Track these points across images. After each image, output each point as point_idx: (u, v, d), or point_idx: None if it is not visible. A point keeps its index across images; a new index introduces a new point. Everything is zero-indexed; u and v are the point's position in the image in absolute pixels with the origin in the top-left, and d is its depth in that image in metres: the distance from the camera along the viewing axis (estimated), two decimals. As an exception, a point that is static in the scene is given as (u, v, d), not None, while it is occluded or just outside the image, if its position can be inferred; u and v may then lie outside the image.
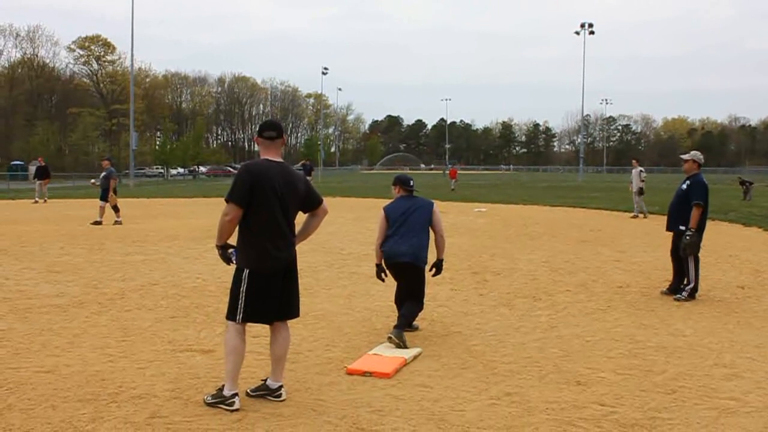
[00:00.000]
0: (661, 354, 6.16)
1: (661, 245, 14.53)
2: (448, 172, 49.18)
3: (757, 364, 5.88)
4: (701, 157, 9.13)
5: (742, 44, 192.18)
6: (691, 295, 8.67)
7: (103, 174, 19.47)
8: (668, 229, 9.20)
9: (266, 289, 4.65)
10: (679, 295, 8.72)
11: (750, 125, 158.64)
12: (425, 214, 6.67)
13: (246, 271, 4.64)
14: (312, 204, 4.99)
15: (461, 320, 7.46)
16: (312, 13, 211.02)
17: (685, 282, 8.85)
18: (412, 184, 6.92)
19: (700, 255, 8.84)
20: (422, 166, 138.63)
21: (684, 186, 9.01)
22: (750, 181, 35.03)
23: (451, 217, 21.00)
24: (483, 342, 6.57)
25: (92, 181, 23.82)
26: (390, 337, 6.19)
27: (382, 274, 6.79)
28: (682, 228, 8.73)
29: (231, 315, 4.69)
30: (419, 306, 6.67)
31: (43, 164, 31.48)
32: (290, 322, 4.95)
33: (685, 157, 9.21)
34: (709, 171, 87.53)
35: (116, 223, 18.47)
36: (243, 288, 4.63)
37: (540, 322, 7.41)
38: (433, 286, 9.14)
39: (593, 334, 6.91)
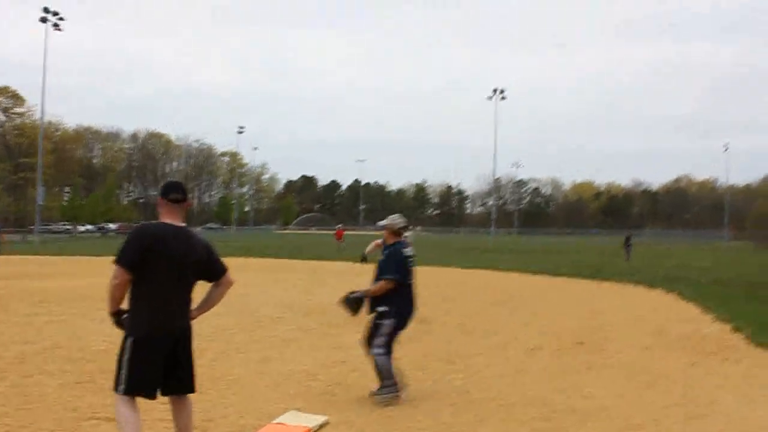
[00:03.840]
0: (574, 417, 6.23)
1: (571, 307, 14.91)
2: (334, 233, 48.31)
3: (664, 425, 6.01)
4: (399, 222, 7.04)
5: (646, 109, 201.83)
6: (390, 392, 6.70)
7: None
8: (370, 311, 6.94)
9: (151, 360, 4.35)
10: (377, 394, 6.75)
11: (651, 189, 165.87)
12: None
13: (130, 339, 4.37)
14: (215, 274, 4.72)
15: (374, 384, 7.37)
16: (228, 70, 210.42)
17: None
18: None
19: (395, 347, 6.95)
20: (338, 226, 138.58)
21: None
22: (629, 238, 37.39)
23: (358, 279, 20.97)
24: (397, 408, 6.51)
25: None
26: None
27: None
28: (380, 309, 6.74)
29: (115, 386, 4.41)
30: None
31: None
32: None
33: (381, 223, 7.29)
34: (615, 232, 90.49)
35: None
36: (126, 357, 4.35)
37: (455, 386, 7.41)
38: (345, 350, 9.07)
39: (507, 397, 6.94)
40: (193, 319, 4.70)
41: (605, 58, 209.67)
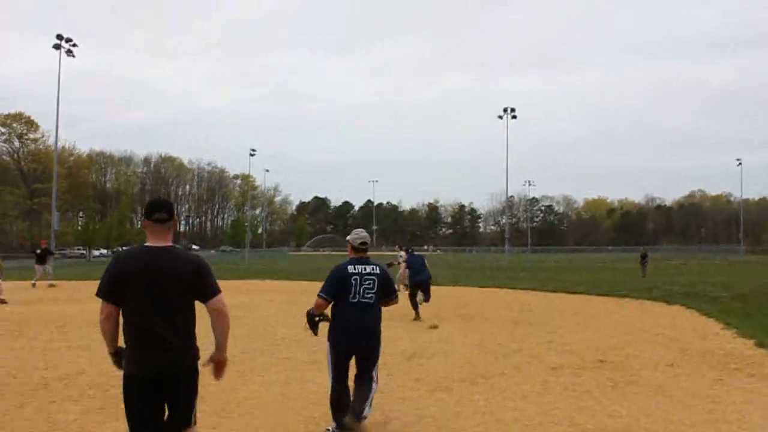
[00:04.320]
0: (601, 437, 6.18)
1: (590, 324, 14.82)
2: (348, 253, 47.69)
3: (693, 445, 5.95)
4: (356, 237, 6.57)
5: (656, 125, 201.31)
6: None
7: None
8: None
9: (136, 399, 4.06)
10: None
11: (665, 205, 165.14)
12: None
13: (123, 379, 4.13)
14: (203, 294, 4.20)
15: (399, 406, 7.35)
16: (238, 93, 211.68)
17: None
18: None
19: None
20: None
21: None
22: (645, 254, 37.04)
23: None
24: (423, 429, 6.48)
25: None
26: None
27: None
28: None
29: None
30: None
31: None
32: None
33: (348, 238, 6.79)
34: (629, 249, 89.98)
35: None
36: (123, 398, 4.14)
37: (479, 407, 7.37)
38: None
39: (532, 417, 6.90)
40: (215, 361, 4.37)
41: (615, 75, 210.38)
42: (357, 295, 6.22)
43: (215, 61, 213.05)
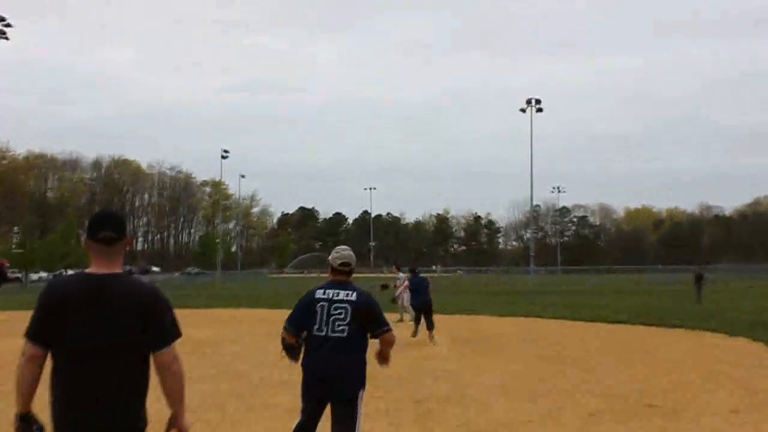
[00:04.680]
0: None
1: (635, 361, 14.74)
2: None
3: None
4: (336, 256, 6.38)
5: (711, 120, 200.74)
6: None
7: None
8: None
9: None
10: None
11: (724, 215, 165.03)
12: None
13: None
14: (153, 340, 3.83)
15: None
16: (208, 83, 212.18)
17: None
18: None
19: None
20: None
21: None
22: (701, 275, 36.66)
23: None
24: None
25: None
26: None
27: None
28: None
29: None
30: None
31: None
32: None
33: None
34: (681, 268, 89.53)
35: None
36: None
37: (501, 463, 7.30)
38: (366, 421, 8.96)
39: (567, 476, 6.83)
40: (175, 428, 3.99)
41: (661, 60, 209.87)
42: (324, 327, 5.97)
43: (179, 45, 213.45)
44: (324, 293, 6.07)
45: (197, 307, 30.46)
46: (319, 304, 6.01)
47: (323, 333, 5.94)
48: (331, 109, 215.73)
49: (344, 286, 6.15)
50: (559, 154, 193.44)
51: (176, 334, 3.93)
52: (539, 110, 78.15)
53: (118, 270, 3.88)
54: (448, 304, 33.04)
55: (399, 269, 26.63)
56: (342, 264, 6.22)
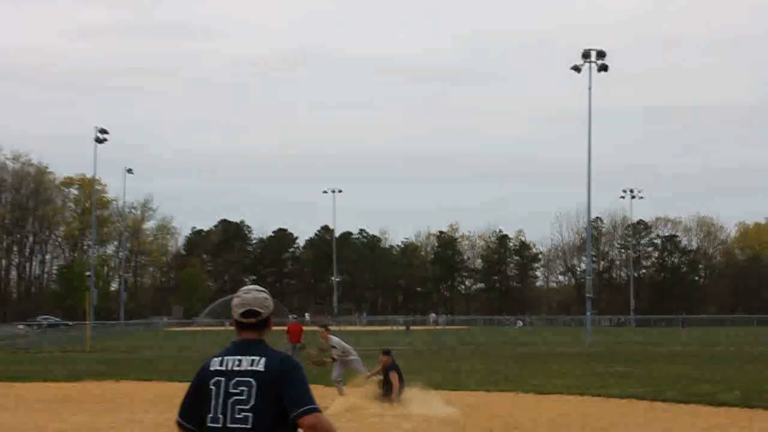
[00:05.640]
0: None
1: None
2: (285, 330, 36.00)
3: None
4: (238, 302, 4.34)
5: None
6: None
7: None
8: None
9: None
10: None
11: None
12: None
13: None
14: None
15: None
16: (72, 21, 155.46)
17: None
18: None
19: None
20: (289, 317, 78.19)
21: None
22: None
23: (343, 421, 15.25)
24: None
25: None
26: None
27: None
28: None
29: None
30: None
31: None
32: None
33: None
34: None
35: None
36: None
37: None
38: None
39: None
40: None
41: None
42: (220, 417, 4.07)
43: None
44: (221, 363, 4.22)
45: (55, 380, 24.46)
46: (212, 381, 4.16)
47: (219, 424, 4.14)
48: (263, 70, 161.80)
49: (250, 349, 4.22)
50: (634, 140, 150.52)
51: None
52: (603, 68, 56.64)
53: None
54: (458, 374, 26.49)
55: (328, 330, 21.58)
56: (245, 314, 4.26)
